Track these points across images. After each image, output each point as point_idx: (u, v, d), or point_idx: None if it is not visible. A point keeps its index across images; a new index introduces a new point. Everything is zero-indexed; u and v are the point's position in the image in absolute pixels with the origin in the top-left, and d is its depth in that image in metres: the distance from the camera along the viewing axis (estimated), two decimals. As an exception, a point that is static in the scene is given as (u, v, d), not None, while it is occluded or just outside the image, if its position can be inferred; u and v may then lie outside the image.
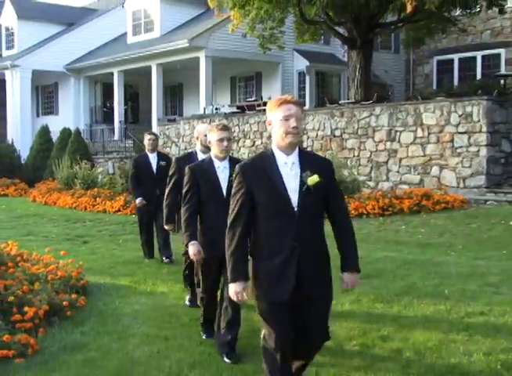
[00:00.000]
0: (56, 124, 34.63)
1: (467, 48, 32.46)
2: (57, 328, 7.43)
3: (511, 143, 20.34)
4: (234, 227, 4.75)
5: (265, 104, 27.42)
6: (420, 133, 20.80)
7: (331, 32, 27.15)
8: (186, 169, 6.97)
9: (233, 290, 4.73)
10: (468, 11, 25.58)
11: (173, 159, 8.91)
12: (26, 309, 7.24)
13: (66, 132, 31.34)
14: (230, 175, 6.51)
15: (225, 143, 6.64)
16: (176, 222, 8.57)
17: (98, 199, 21.72)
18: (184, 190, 6.87)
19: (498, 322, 7.33)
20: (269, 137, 24.46)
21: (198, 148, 8.20)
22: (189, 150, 10.82)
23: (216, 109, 29.58)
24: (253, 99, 30.70)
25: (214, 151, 6.74)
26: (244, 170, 4.77)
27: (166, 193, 8.43)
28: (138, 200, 12.31)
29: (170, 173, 8.48)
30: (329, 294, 4.93)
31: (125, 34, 38.12)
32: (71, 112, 39.06)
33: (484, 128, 19.47)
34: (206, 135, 7.30)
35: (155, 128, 32.53)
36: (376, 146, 22.03)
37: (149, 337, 7.17)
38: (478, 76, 31.69)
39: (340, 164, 19.91)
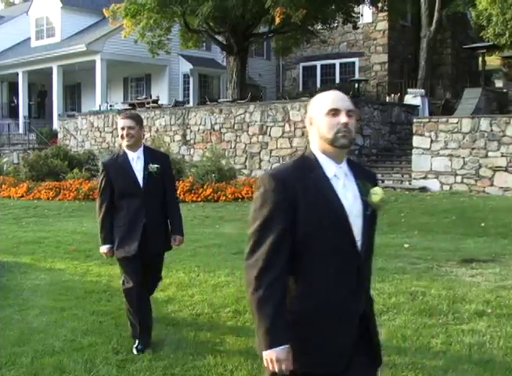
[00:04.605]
0: (-35, 119, 33.33)
1: (328, 57, 33.05)
2: (-38, 302, 7.18)
3: (363, 138, 20.90)
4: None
5: (153, 102, 27.23)
6: (287, 128, 21.05)
7: (212, 40, 27.32)
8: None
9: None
10: (327, 25, 26.23)
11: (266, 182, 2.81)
12: None
13: (-27, 126, 30.27)
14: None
15: None
16: None
17: (3, 186, 21.12)
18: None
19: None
20: (157, 131, 24.35)
21: (316, 145, 2.92)
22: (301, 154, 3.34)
23: (110, 106, 29.18)
24: (143, 97, 30.40)
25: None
26: None
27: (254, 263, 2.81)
28: (102, 249, 5.91)
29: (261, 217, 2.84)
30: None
31: (29, 38, 37.04)
32: (-21, 108, 37.65)
33: (341, 125, 19.86)
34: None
35: (56, 123, 31.78)
36: (250, 139, 22.17)
37: (47, 308, 7.03)
38: (337, 80, 32.41)
39: (219, 155, 19.96)
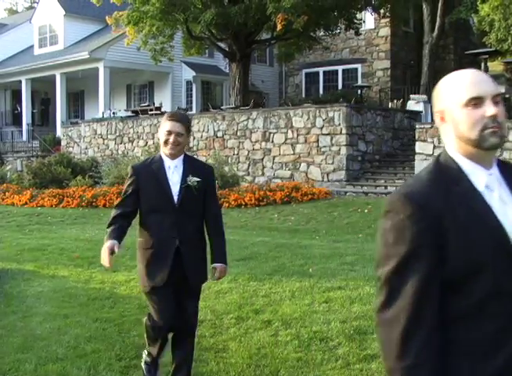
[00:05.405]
0: (-31, 126, 33.43)
1: (330, 63, 33.08)
2: (-34, 309, 7.19)
3: (366, 144, 20.89)
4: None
5: (156, 109, 27.27)
6: (290, 135, 21.07)
7: (214, 47, 27.36)
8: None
9: None
10: (330, 32, 26.29)
11: None
12: None
13: (-23, 133, 30.38)
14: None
15: None
16: None
17: (7, 193, 21.08)
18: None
19: (352, 294, 7.51)
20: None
21: (454, 147, 2.12)
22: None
23: (113, 113, 29.22)
24: (146, 104, 30.47)
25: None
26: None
27: None
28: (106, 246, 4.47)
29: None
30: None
31: (32, 46, 37.13)
32: (-18, 115, 37.74)
33: (344, 131, 19.92)
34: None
35: (59, 130, 31.83)
36: (253, 145, 22.18)
37: (51, 315, 7.05)
38: (340, 87, 32.40)
39: (222, 162, 19.99)
